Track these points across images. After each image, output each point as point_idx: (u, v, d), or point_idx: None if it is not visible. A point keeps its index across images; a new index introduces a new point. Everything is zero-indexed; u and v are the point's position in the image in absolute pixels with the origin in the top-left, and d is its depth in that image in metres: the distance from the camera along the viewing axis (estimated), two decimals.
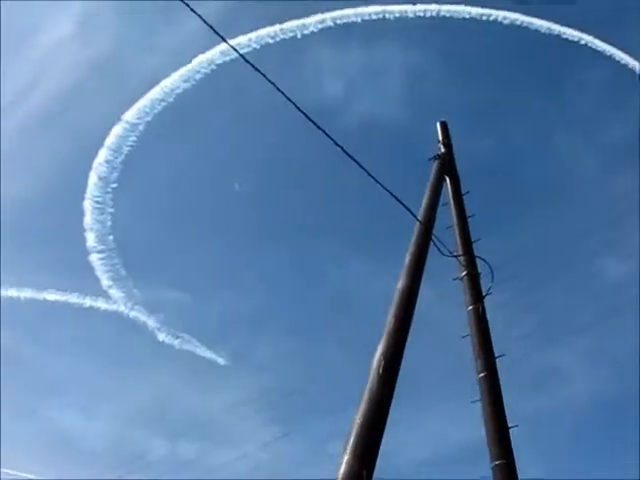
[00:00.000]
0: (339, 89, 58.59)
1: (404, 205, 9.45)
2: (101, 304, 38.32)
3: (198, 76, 32.30)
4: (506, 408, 9.69)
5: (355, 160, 8.64)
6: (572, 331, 26.49)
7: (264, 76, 7.63)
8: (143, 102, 32.67)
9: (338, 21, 32.17)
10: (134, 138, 33.36)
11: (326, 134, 8.24)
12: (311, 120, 8.07)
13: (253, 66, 7.55)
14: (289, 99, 7.87)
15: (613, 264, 27.27)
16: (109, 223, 35.23)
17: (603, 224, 22.98)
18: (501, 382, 9.96)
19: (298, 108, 7.94)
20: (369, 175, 8.86)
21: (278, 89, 7.79)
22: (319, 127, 8.16)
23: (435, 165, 12.25)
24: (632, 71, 34.86)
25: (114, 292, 37.59)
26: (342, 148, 8.46)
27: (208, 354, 43.20)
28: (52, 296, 39.69)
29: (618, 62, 34.80)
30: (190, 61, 32.38)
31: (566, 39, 33.99)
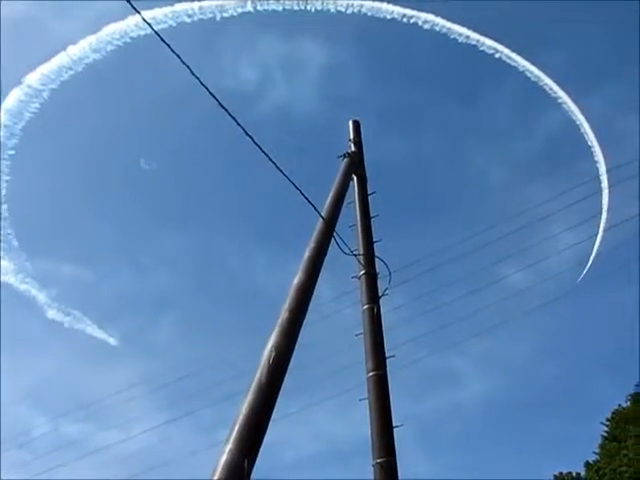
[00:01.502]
0: (255, 77, 58.48)
1: (308, 199, 9.50)
2: None
3: (110, 47, 31.39)
4: (394, 408, 9.86)
5: (264, 151, 8.65)
6: (469, 336, 27.21)
7: (178, 57, 7.53)
8: (50, 68, 31.54)
9: (259, 7, 31.87)
10: (37, 105, 32.24)
11: (236, 122, 8.21)
12: (222, 106, 8.01)
13: (169, 46, 7.43)
14: (202, 83, 7.80)
15: (513, 272, 28.10)
16: (3, 191, 34.02)
17: (507, 233, 23.63)
18: (391, 382, 10.13)
19: (210, 93, 7.87)
20: (276, 167, 8.88)
21: (192, 72, 7.71)
22: (230, 114, 8.11)
23: (344, 163, 12.33)
24: (542, 89, 36.04)
25: (4, 263, 36.36)
26: (252, 138, 8.45)
27: (99, 333, 42.42)
28: None
29: (529, 78, 35.92)
30: (103, 31, 31.42)
31: (482, 51, 34.87)
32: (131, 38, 31.06)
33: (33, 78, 31.76)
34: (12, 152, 33.01)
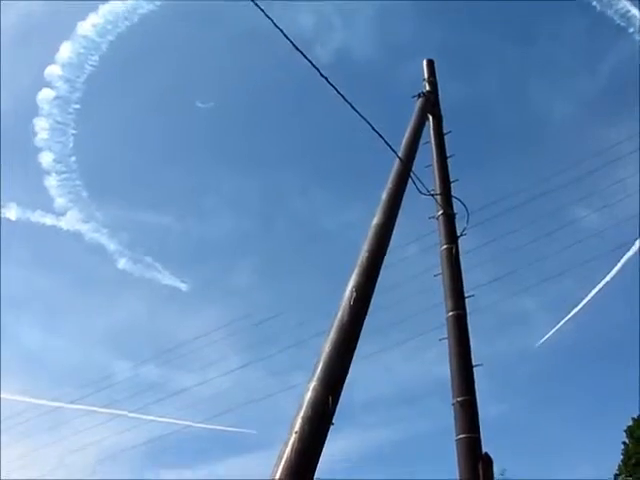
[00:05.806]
0: (311, 23, 57.52)
1: (385, 141, 9.38)
2: (63, 224, 37.94)
3: None
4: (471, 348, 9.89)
5: (339, 91, 8.52)
6: (541, 279, 26.72)
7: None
8: (103, 18, 31.54)
9: None
10: (96, 58, 32.45)
11: (310, 62, 8.09)
12: (296, 47, 7.91)
13: None
14: (276, 25, 7.70)
15: (586, 214, 27.41)
16: (71, 145, 34.53)
17: (579, 175, 23.00)
18: (469, 322, 10.12)
19: (285, 35, 7.78)
20: (352, 107, 8.78)
21: (266, 14, 7.60)
22: (304, 54, 8.01)
23: (419, 102, 12.10)
24: (610, 19, 34.17)
25: (76, 213, 37.11)
26: (326, 78, 8.33)
27: (171, 280, 43.02)
28: (12, 213, 39.28)
29: (594, 9, 34.10)
30: None
31: None
32: None
33: (85, 28, 31.83)
34: (77, 106, 33.42)
